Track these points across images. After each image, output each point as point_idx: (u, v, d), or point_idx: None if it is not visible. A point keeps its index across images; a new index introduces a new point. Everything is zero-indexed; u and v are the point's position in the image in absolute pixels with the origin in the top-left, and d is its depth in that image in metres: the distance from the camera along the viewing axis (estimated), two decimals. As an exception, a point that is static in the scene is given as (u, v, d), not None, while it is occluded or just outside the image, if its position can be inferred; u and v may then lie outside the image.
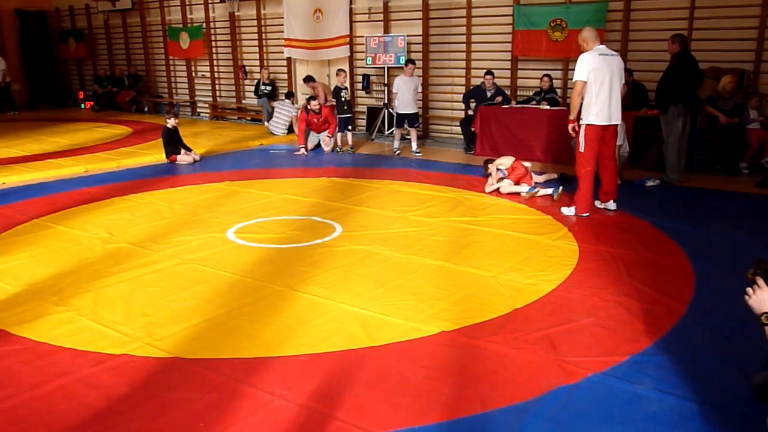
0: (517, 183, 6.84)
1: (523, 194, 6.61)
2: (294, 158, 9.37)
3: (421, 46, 10.88)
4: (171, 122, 8.84)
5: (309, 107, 9.50)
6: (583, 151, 5.84)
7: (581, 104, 5.81)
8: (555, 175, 7.36)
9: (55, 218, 5.96)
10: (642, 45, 8.81)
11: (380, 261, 4.70)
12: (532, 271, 4.44)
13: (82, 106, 16.14)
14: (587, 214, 5.87)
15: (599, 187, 6.10)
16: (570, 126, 5.98)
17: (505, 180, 6.86)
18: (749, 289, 2.33)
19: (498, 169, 6.98)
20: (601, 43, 5.92)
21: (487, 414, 2.71)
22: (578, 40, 5.99)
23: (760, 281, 2.32)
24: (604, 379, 2.98)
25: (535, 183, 6.94)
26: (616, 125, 5.96)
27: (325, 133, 9.73)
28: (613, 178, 6.09)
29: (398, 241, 5.17)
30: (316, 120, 9.63)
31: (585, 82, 5.72)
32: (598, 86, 5.71)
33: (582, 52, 5.84)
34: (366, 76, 11.55)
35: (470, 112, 9.55)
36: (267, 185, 7.38)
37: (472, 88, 10.03)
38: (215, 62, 14.23)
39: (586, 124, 5.78)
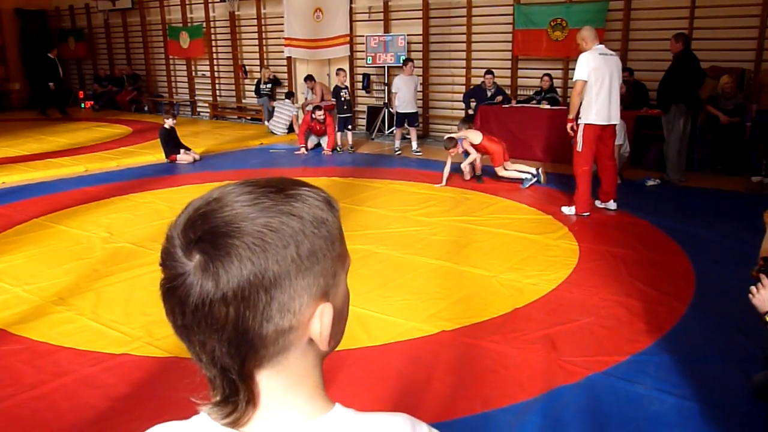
0: (500, 164, 7.20)
1: (524, 184, 6.98)
2: (294, 158, 9.36)
3: (421, 45, 10.87)
4: (169, 122, 8.82)
5: (314, 116, 9.48)
6: (580, 150, 5.83)
7: (580, 104, 5.82)
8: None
9: (55, 218, 5.95)
10: (642, 45, 8.80)
11: (380, 260, 4.70)
12: (532, 270, 4.44)
13: (82, 105, 16.12)
14: (587, 213, 5.87)
15: (599, 187, 6.10)
16: (569, 125, 5.98)
17: (505, 164, 7.21)
18: (753, 288, 2.29)
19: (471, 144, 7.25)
20: (600, 43, 5.92)
21: (487, 414, 2.71)
22: (577, 39, 5.99)
23: (765, 279, 2.28)
24: (604, 378, 2.98)
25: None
26: (615, 125, 5.96)
27: (325, 137, 9.71)
28: (612, 177, 6.09)
29: (398, 240, 5.17)
30: (318, 127, 9.64)
31: (585, 82, 5.72)
32: (598, 86, 5.70)
33: (581, 52, 5.85)
34: (366, 76, 11.54)
35: (470, 112, 9.54)
36: (267, 185, 7.36)
37: (472, 87, 10.02)
38: (215, 61, 14.21)
39: (585, 124, 5.77)
